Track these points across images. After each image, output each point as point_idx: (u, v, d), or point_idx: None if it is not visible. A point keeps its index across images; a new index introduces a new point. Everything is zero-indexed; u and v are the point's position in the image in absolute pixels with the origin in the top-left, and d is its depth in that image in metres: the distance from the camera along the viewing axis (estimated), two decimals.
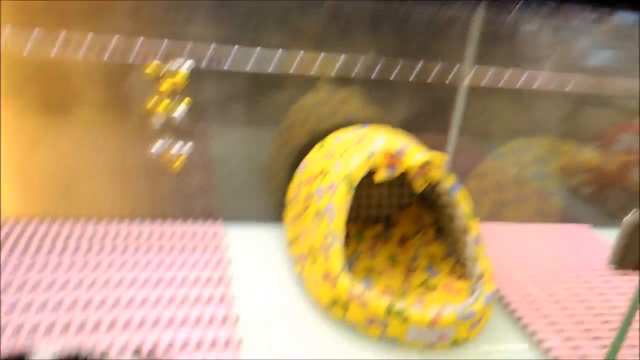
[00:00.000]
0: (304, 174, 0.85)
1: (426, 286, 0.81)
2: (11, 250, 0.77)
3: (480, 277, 0.77)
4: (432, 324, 0.68)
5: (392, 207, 0.98)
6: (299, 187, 0.86)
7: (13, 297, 0.68)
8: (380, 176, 0.73)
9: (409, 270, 0.86)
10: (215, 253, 0.85)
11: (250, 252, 0.88)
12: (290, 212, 0.88)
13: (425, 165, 0.74)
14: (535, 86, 1.01)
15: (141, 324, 0.67)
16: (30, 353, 0.40)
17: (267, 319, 0.73)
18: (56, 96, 0.84)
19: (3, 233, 0.80)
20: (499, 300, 0.84)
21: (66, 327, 0.65)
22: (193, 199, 0.96)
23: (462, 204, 0.78)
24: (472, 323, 0.71)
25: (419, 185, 0.76)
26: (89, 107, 0.85)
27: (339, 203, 0.73)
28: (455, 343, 0.72)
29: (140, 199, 0.93)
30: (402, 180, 0.96)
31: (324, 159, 0.82)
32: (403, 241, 0.94)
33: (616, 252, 0.46)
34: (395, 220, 0.97)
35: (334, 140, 0.85)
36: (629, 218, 0.44)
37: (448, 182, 0.77)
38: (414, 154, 0.75)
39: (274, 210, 0.97)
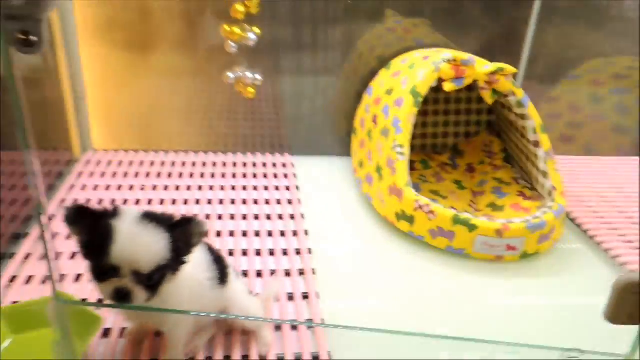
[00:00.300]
0: (371, 97, 0.86)
1: (493, 207, 0.80)
2: (102, 175, 0.85)
3: (551, 191, 0.75)
4: (500, 233, 0.68)
5: (459, 136, 0.97)
6: (365, 112, 0.87)
7: None
8: (448, 87, 0.73)
9: (475, 194, 0.86)
10: (285, 179, 0.89)
11: (318, 179, 0.91)
12: (356, 139, 0.90)
13: (495, 75, 0.73)
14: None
15: (218, 234, 0.72)
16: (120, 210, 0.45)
17: (334, 233, 0.76)
18: (138, 35, 0.90)
19: (94, 162, 0.88)
20: (570, 220, 0.82)
21: None
22: (263, 132, 1.00)
23: (533, 117, 0.76)
24: (542, 235, 0.71)
25: (488, 97, 0.75)
26: (168, 44, 0.90)
27: (404, 117, 0.75)
28: (525, 256, 0.71)
29: (215, 132, 0.98)
30: (469, 108, 0.96)
31: (391, 79, 0.83)
32: (470, 170, 0.93)
33: (608, 309, 0.48)
34: (462, 150, 0.96)
35: (400, 61, 0.85)
36: (618, 279, 0.46)
37: (518, 94, 0.76)
38: (483, 63, 0.74)
39: (340, 143, 0.99)
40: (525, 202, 0.79)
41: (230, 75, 0.90)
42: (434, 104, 0.95)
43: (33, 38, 0.32)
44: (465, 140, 0.97)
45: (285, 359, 0.52)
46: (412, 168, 0.91)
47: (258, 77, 0.90)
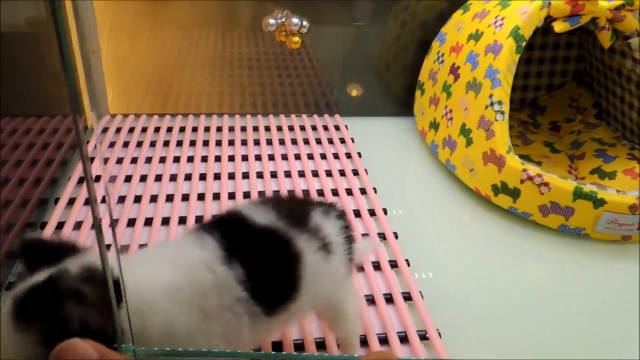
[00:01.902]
0: (445, 45, 0.71)
1: (600, 174, 0.67)
2: (125, 145, 0.70)
3: None
4: (634, 208, 0.55)
5: (540, 89, 0.82)
6: (437, 63, 0.73)
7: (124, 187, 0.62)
8: (560, 27, 0.58)
9: (572, 158, 0.72)
10: (342, 145, 0.74)
11: (379, 144, 0.77)
12: (424, 96, 0.76)
13: (620, 10, 0.58)
14: None
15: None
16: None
17: (414, 213, 0.63)
18: None
19: (112, 128, 0.73)
20: None
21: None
22: (305, 90, 0.85)
23: None
24: None
25: (607, 39, 0.60)
26: None
27: (504, 66, 0.60)
28: None
29: (249, 91, 0.83)
30: (555, 56, 0.81)
31: (473, 21, 0.67)
32: (555, 129, 0.79)
33: None
34: (543, 105, 0.82)
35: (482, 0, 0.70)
36: None
37: None
38: None
39: (397, 102, 0.84)
40: None
41: (272, 21, 0.74)
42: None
43: None
44: (547, 94, 0.82)
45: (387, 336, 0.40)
46: None
47: (305, 23, 0.75)
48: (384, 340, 0.44)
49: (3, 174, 0.52)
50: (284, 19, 0.75)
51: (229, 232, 0.33)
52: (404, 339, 0.44)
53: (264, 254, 0.33)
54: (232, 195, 0.61)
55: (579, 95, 0.79)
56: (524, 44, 0.61)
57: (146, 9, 0.76)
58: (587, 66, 0.79)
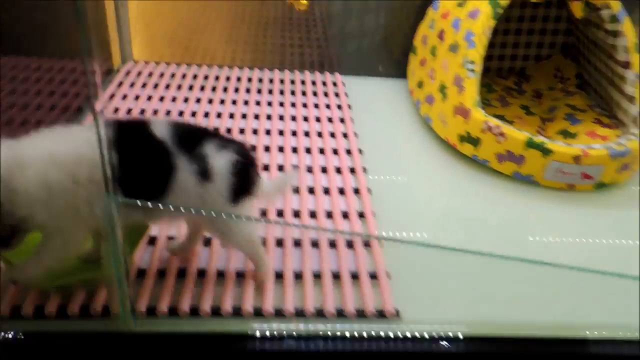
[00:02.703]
0: (437, 12, 0.78)
1: (565, 134, 0.73)
2: (143, 86, 0.80)
3: (636, 118, 0.67)
4: (578, 159, 0.62)
5: (528, 59, 0.88)
6: (429, 28, 0.79)
7: None
8: None
9: (545, 120, 0.78)
10: (336, 98, 0.82)
11: (371, 99, 0.84)
12: (416, 58, 0.83)
13: None
14: None
15: (267, 149, 0.68)
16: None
17: (389, 154, 0.71)
18: None
19: (135, 72, 0.84)
20: None
21: None
22: (312, 50, 0.93)
23: (626, 34, 0.67)
24: (623, 164, 0.63)
25: (579, 10, 0.66)
26: None
27: (480, 30, 0.67)
28: (600, 186, 0.65)
29: (261, 48, 0.92)
30: (544, 28, 0.86)
31: None
32: (537, 96, 0.85)
33: None
34: (530, 74, 0.88)
35: None
36: None
37: (614, 7, 0.66)
38: None
39: (395, 64, 0.92)
40: (603, 129, 0.71)
41: None
42: (506, 22, 0.86)
43: None
44: (534, 64, 0.88)
45: (340, 274, 0.48)
46: None
47: None
48: (336, 275, 0.49)
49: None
50: None
51: (126, 128, 0.40)
52: (355, 275, 0.49)
53: (140, 155, 0.39)
54: (229, 130, 0.70)
55: (564, 66, 0.85)
56: (500, 10, 0.67)
57: None
58: (574, 39, 0.84)
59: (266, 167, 0.64)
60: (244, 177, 0.42)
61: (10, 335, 0.40)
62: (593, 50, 0.77)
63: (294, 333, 0.43)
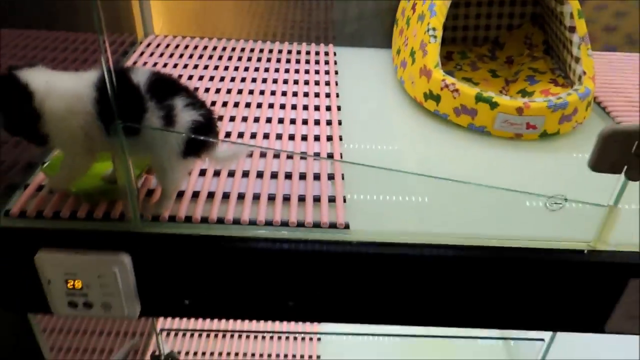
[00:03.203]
0: None
1: (523, 93, 0.83)
2: (161, 56, 0.94)
3: (581, 76, 0.77)
4: (520, 111, 0.72)
5: (501, 28, 0.97)
6: (407, 1, 0.90)
7: None
8: None
9: (509, 82, 0.88)
10: (326, 65, 0.94)
11: (358, 66, 0.96)
12: (397, 28, 0.93)
13: None
14: None
15: (259, 105, 0.80)
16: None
17: (366, 113, 0.82)
18: None
19: (154, 44, 0.97)
20: (601, 109, 0.84)
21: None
22: (310, 25, 1.05)
23: (572, 2, 0.76)
24: (563, 116, 0.73)
25: None
26: None
27: (440, 1, 0.77)
28: (544, 135, 0.75)
29: (265, 23, 1.04)
30: (514, 0, 0.95)
31: None
32: (509, 62, 0.94)
33: (592, 157, 0.54)
34: (503, 42, 0.97)
35: None
36: (604, 129, 0.50)
37: None
38: None
39: (385, 36, 1.02)
40: (556, 88, 0.80)
41: None
42: None
43: None
44: (507, 33, 0.97)
45: (305, 198, 0.61)
46: (449, 58, 0.94)
47: None
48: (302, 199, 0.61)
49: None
50: None
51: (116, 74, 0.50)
52: (317, 199, 0.61)
53: (120, 94, 0.49)
54: (229, 91, 0.83)
55: (532, 33, 0.94)
56: None
57: None
58: (540, 9, 0.93)
59: (256, 119, 0.76)
60: (198, 139, 0.53)
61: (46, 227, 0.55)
62: (551, 18, 0.86)
63: (264, 237, 0.56)
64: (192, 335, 1.16)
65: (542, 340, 0.95)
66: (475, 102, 0.73)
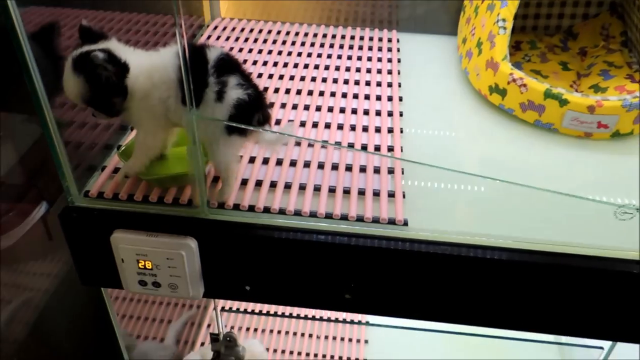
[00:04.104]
0: None
1: (595, 88, 0.79)
2: (227, 39, 0.96)
3: None
4: (592, 109, 0.69)
5: (576, 18, 0.93)
6: None
7: None
8: None
9: (580, 76, 0.84)
10: (389, 52, 0.93)
11: (422, 54, 0.94)
12: (464, 16, 0.91)
13: None
14: None
15: (321, 93, 0.81)
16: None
17: (428, 104, 0.81)
18: None
19: (222, 27, 0.99)
20: None
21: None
22: (374, 9, 1.03)
23: None
24: (638, 116, 0.70)
25: None
26: None
27: None
28: (616, 135, 0.72)
29: (329, 7, 1.04)
30: None
31: None
32: (582, 53, 0.90)
33: None
34: (576, 32, 0.92)
35: None
36: None
37: None
38: None
39: (451, 22, 1.00)
40: (633, 85, 0.76)
41: None
42: None
43: None
44: (581, 22, 0.93)
45: (365, 192, 0.62)
46: (517, 48, 0.91)
47: None
48: (362, 192, 0.62)
49: None
50: None
51: (194, 49, 0.55)
52: (376, 193, 0.62)
53: (195, 68, 0.52)
54: (292, 77, 0.84)
55: (610, 24, 0.89)
56: None
57: None
58: None
59: (318, 108, 0.77)
60: (243, 117, 0.55)
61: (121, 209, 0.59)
62: (633, 8, 0.81)
63: (324, 230, 0.58)
64: (244, 311, 1.20)
65: (601, 348, 0.92)
66: (544, 98, 0.71)
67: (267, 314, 1.17)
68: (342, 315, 1.17)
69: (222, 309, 1.21)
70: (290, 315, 1.20)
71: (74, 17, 0.79)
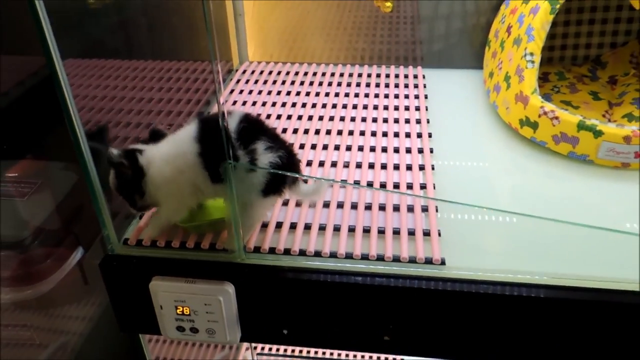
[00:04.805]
0: (508, 8, 0.86)
1: (629, 117, 0.78)
2: (255, 82, 0.98)
3: None
4: (628, 139, 0.68)
5: (604, 47, 0.92)
6: (500, 23, 0.88)
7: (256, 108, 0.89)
8: None
9: (612, 105, 0.83)
10: (415, 89, 0.94)
11: (448, 89, 0.95)
12: (489, 50, 0.91)
13: None
14: None
15: (350, 133, 0.82)
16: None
17: (458, 140, 0.81)
18: None
19: (250, 70, 1.02)
20: None
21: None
22: (398, 47, 1.05)
23: None
24: None
25: (637, 2, 0.71)
26: None
27: (538, 24, 0.74)
28: None
29: (354, 47, 1.05)
30: (618, 17, 0.90)
31: None
32: (612, 82, 0.89)
33: None
34: (605, 61, 0.92)
35: None
36: None
37: None
38: None
39: (474, 57, 1.00)
40: None
41: None
42: (578, 13, 0.91)
43: None
44: (609, 51, 0.92)
45: (400, 231, 0.61)
46: (545, 79, 0.91)
47: None
48: (397, 232, 0.62)
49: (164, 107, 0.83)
50: None
51: (210, 121, 0.58)
52: (411, 232, 0.61)
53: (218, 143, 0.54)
54: (321, 117, 0.85)
55: (639, 52, 0.88)
56: (558, 6, 0.74)
57: None
58: None
59: (349, 148, 0.78)
60: (277, 178, 0.56)
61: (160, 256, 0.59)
62: None
63: (361, 272, 0.57)
64: (278, 353, 1.19)
65: None
66: (577, 130, 0.70)
67: (302, 356, 1.16)
68: (381, 356, 1.15)
69: (254, 348, 1.20)
70: (324, 357, 1.18)
71: (109, 67, 0.83)
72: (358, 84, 0.96)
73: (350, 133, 0.81)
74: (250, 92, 0.95)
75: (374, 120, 0.85)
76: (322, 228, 0.63)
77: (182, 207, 0.59)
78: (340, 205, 0.66)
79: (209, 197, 0.60)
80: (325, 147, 0.78)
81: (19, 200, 0.81)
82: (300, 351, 1.17)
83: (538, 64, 0.75)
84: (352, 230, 0.62)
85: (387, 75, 0.99)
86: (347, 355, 1.18)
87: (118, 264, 0.59)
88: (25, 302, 0.82)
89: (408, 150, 0.77)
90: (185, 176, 0.56)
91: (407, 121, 0.84)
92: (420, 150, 0.77)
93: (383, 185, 0.70)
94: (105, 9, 0.78)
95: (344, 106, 0.89)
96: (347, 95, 0.93)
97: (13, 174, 0.86)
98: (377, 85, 0.96)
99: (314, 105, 0.90)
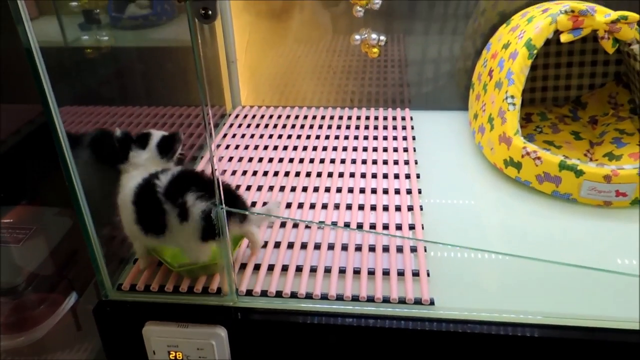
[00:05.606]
0: (489, 53, 0.90)
1: (610, 156, 0.80)
2: (248, 126, 1.01)
3: None
4: (609, 178, 0.70)
5: (583, 88, 0.96)
6: (482, 67, 0.91)
7: (250, 153, 0.91)
8: (565, 38, 0.74)
9: (593, 145, 0.86)
10: (403, 130, 0.97)
11: (435, 130, 0.98)
12: (473, 93, 0.95)
13: (617, 23, 0.73)
14: None
15: (340, 175, 0.84)
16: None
17: (446, 180, 0.83)
18: (278, 6, 1.03)
19: (243, 115, 1.05)
20: None
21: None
22: (386, 90, 1.08)
23: None
24: None
25: (609, 46, 0.75)
26: (303, 14, 1.02)
27: (518, 69, 0.78)
28: (637, 202, 0.72)
29: (343, 90, 1.09)
30: (595, 60, 0.94)
31: (509, 33, 0.85)
32: (593, 122, 0.92)
33: None
34: (585, 102, 0.95)
35: (520, 16, 0.87)
36: None
37: None
38: (604, 12, 0.74)
39: (460, 98, 1.04)
40: None
41: (357, 37, 0.99)
42: (556, 56, 0.95)
43: (209, 12, 0.44)
44: (589, 92, 0.96)
45: (389, 272, 0.62)
46: (528, 120, 0.94)
47: (382, 37, 0.98)
48: (386, 272, 0.63)
49: None
50: (366, 35, 0.99)
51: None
52: (401, 273, 0.62)
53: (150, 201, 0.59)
54: (311, 160, 0.88)
55: (617, 93, 0.92)
56: (535, 52, 0.78)
57: (272, 28, 1.07)
58: (624, 68, 0.91)
59: (339, 190, 0.80)
60: (211, 224, 0.57)
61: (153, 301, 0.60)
62: (637, 77, 0.84)
63: (351, 313, 0.58)
64: None
65: None
66: (559, 170, 0.72)
67: None
68: None
69: None
70: None
71: (104, 114, 0.85)
72: (348, 127, 0.99)
73: (341, 175, 0.84)
74: (243, 135, 0.97)
75: (364, 162, 0.87)
76: (313, 270, 0.64)
77: (137, 243, 0.64)
78: (331, 247, 0.67)
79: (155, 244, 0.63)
80: (316, 189, 0.80)
81: (13, 247, 0.82)
82: None
83: (519, 106, 0.78)
84: (342, 271, 0.63)
85: (376, 118, 1.02)
86: None
87: (112, 309, 0.60)
88: (18, 349, 0.82)
89: (397, 192, 0.79)
90: (126, 219, 0.62)
91: (396, 162, 0.86)
92: (409, 191, 0.79)
93: (373, 227, 0.72)
94: (102, 57, 0.81)
95: (334, 148, 0.92)
96: (337, 137, 0.95)
97: (8, 220, 0.87)
98: (367, 127, 0.99)
99: (304, 148, 0.92)
